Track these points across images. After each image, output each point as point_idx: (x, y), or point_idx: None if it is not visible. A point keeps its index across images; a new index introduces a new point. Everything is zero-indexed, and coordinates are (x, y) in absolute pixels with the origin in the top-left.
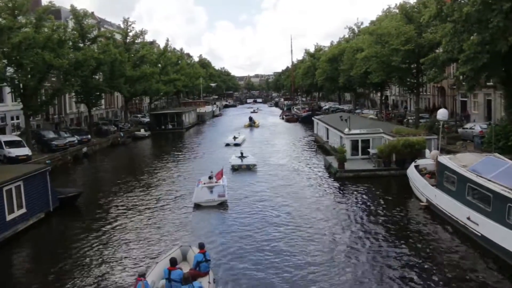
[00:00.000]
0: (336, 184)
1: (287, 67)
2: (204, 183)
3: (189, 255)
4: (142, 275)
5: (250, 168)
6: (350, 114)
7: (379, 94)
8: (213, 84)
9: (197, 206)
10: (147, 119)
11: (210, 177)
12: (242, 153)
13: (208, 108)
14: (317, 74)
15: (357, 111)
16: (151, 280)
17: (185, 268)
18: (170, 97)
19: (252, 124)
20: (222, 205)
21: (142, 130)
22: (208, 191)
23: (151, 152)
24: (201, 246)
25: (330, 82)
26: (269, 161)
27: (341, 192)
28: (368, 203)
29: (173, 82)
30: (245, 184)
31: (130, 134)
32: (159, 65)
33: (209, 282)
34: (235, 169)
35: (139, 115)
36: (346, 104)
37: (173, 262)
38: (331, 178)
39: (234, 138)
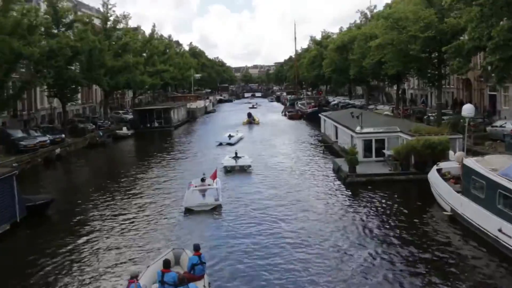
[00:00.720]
0: (347, 191)
1: (290, 56)
2: (196, 186)
3: (182, 258)
4: (135, 277)
5: (244, 170)
6: (362, 110)
7: (395, 87)
8: (197, 76)
9: (188, 211)
10: (130, 116)
11: (202, 179)
12: (236, 153)
13: (200, 104)
14: (324, 65)
15: (370, 106)
16: (143, 284)
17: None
18: (157, 91)
19: (251, 121)
20: (216, 210)
21: (124, 129)
22: (200, 194)
23: (135, 154)
24: (196, 248)
25: (339, 74)
26: (269, 164)
27: (352, 199)
28: (383, 213)
29: (160, 74)
30: (240, 189)
31: (111, 133)
32: (144, 54)
33: (204, 286)
34: (228, 170)
35: (120, 112)
36: (358, 99)
37: (167, 263)
38: (340, 184)
39: (230, 136)
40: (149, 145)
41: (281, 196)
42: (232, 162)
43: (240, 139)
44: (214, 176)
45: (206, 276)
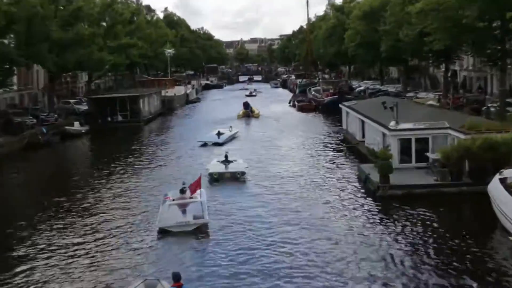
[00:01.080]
0: (377, 208)
1: (301, 27)
2: (174, 200)
3: None
4: None
5: (237, 178)
6: (398, 99)
7: (442, 68)
8: (170, 51)
9: (164, 233)
10: (84, 107)
11: (182, 191)
12: (226, 156)
13: (179, 90)
14: (347, 38)
15: (409, 94)
16: None
17: None
18: (121, 73)
19: (249, 113)
20: (200, 231)
21: (77, 124)
22: (179, 210)
23: (90, 158)
24: (176, 278)
25: (366, 50)
26: (272, 171)
27: (385, 220)
28: (428, 238)
29: (125, 50)
30: (231, 204)
31: (58, 129)
32: (104, 23)
33: None
34: (215, 179)
35: (71, 101)
36: (392, 84)
37: None
38: (368, 198)
39: (219, 134)
40: (110, 146)
41: (287, 214)
42: (220, 168)
43: (233, 137)
44: (197, 186)
45: None
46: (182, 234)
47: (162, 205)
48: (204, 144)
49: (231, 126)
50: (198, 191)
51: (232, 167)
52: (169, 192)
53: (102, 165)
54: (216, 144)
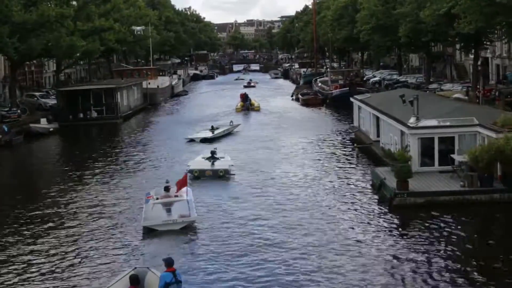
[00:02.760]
0: (394, 218)
1: (306, 7)
2: (158, 198)
3: (147, 280)
4: None
5: (219, 176)
6: (419, 91)
7: (471, 56)
8: (138, 28)
9: (148, 232)
10: (52, 101)
11: (166, 189)
12: (213, 153)
13: (163, 82)
14: (360, 20)
15: (432, 86)
16: None
17: None
18: (95, 61)
19: (248, 106)
20: (189, 230)
21: (43, 121)
22: (163, 209)
23: (60, 160)
24: (169, 263)
25: (382, 35)
26: (272, 174)
27: (403, 233)
28: (452, 255)
29: (99, 34)
30: (221, 217)
31: (22, 127)
32: (74, 2)
33: None
34: (196, 176)
35: (37, 94)
36: (412, 74)
37: (135, 279)
38: (384, 207)
39: (212, 129)
40: (83, 147)
41: (289, 230)
42: (202, 165)
43: (229, 132)
44: (182, 184)
45: None
46: (167, 232)
47: (146, 204)
48: (191, 140)
49: (231, 121)
50: (184, 189)
51: (216, 165)
52: (151, 191)
53: (73, 169)
54: (205, 140)
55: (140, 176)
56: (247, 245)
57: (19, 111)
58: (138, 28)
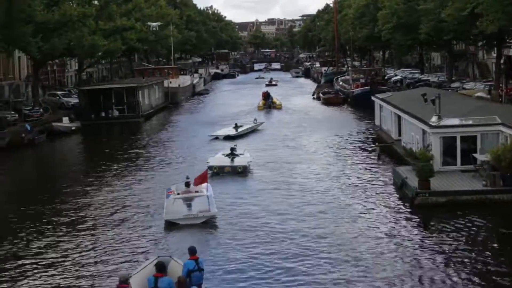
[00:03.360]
0: (415, 218)
1: (327, 5)
2: (178, 193)
3: (170, 268)
4: (124, 281)
5: (238, 172)
6: (441, 90)
7: (494, 54)
8: (153, 24)
9: (171, 225)
10: (74, 100)
11: (187, 184)
12: (232, 149)
13: (184, 80)
14: (381, 18)
15: (454, 84)
16: None
17: None
18: (116, 60)
19: (270, 104)
20: (209, 223)
21: (66, 120)
22: (184, 204)
23: (82, 159)
24: (193, 251)
25: (404, 33)
26: (293, 172)
27: (425, 233)
28: (476, 257)
29: (120, 34)
30: (241, 217)
31: (44, 126)
32: (96, 2)
33: None
34: (215, 172)
35: (59, 93)
36: (434, 73)
37: (161, 266)
38: (405, 206)
39: (236, 126)
40: (105, 146)
41: (308, 228)
42: (221, 161)
43: (251, 130)
44: (203, 180)
45: (203, 286)
46: (189, 226)
47: (167, 199)
48: (215, 138)
49: (255, 119)
50: (203, 185)
51: (235, 161)
52: (172, 186)
53: (95, 167)
54: (228, 137)
55: (161, 173)
56: (264, 236)
57: (41, 110)
58: (154, 24)
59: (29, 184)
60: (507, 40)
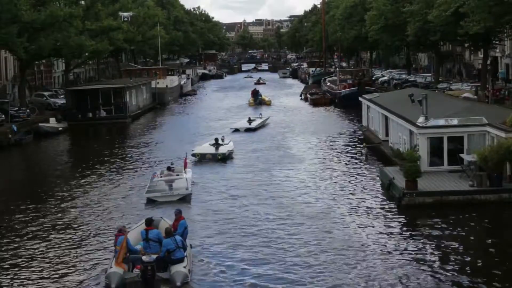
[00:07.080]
0: (402, 218)
1: (314, 6)
2: (161, 176)
3: (161, 226)
4: (120, 231)
5: (218, 159)
6: (428, 91)
7: (480, 55)
8: (125, 14)
9: (151, 202)
10: (61, 101)
11: (169, 168)
12: (217, 140)
13: (172, 81)
14: (369, 19)
15: (441, 85)
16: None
17: None
18: (104, 60)
19: (260, 101)
20: (185, 200)
21: (53, 120)
22: (165, 184)
23: (69, 160)
24: (179, 213)
25: (391, 34)
26: (279, 172)
27: (411, 233)
28: (463, 257)
29: (107, 34)
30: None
31: (31, 127)
32: (83, 1)
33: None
34: (197, 159)
35: (46, 94)
36: (421, 74)
37: (149, 221)
38: (392, 207)
39: (250, 121)
40: (92, 147)
41: (292, 227)
42: (204, 149)
43: (262, 124)
44: (184, 165)
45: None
46: (167, 203)
47: (151, 180)
48: (236, 130)
49: (261, 114)
50: (184, 170)
51: (216, 150)
52: (157, 171)
53: (81, 168)
54: (249, 130)
55: (149, 171)
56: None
57: (28, 110)
58: (125, 14)
59: (15, 185)
60: (493, 41)
